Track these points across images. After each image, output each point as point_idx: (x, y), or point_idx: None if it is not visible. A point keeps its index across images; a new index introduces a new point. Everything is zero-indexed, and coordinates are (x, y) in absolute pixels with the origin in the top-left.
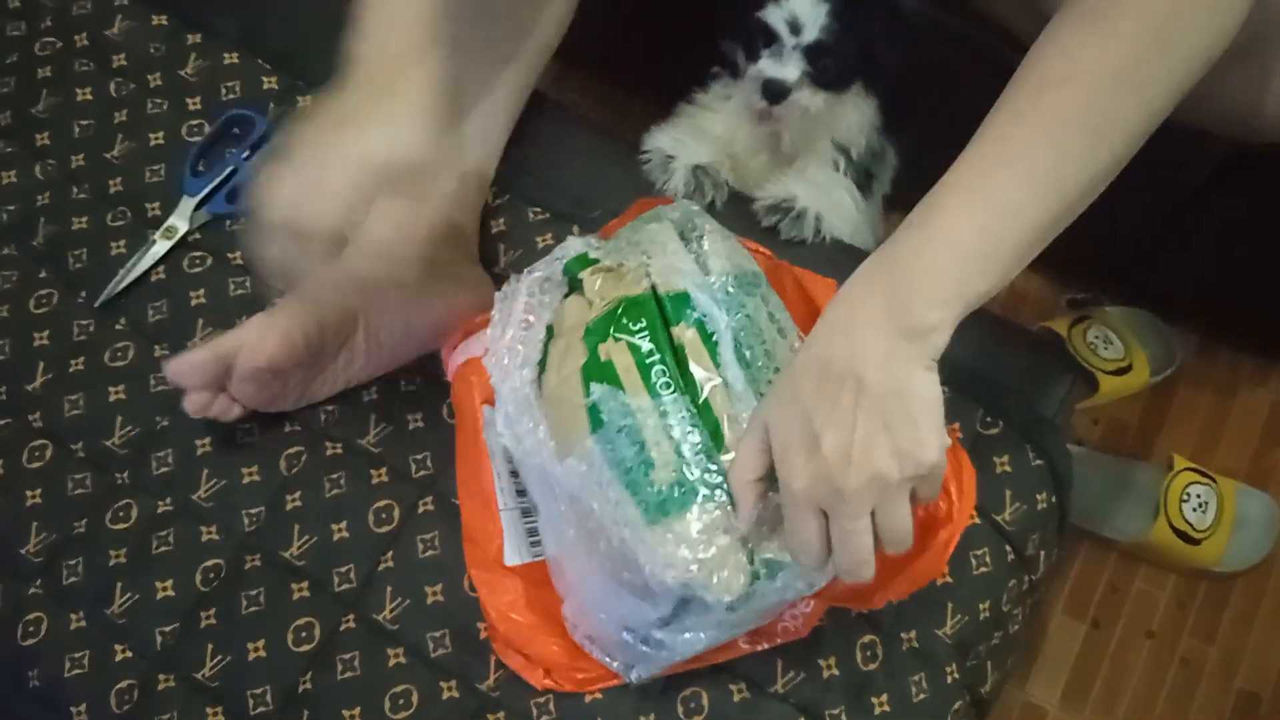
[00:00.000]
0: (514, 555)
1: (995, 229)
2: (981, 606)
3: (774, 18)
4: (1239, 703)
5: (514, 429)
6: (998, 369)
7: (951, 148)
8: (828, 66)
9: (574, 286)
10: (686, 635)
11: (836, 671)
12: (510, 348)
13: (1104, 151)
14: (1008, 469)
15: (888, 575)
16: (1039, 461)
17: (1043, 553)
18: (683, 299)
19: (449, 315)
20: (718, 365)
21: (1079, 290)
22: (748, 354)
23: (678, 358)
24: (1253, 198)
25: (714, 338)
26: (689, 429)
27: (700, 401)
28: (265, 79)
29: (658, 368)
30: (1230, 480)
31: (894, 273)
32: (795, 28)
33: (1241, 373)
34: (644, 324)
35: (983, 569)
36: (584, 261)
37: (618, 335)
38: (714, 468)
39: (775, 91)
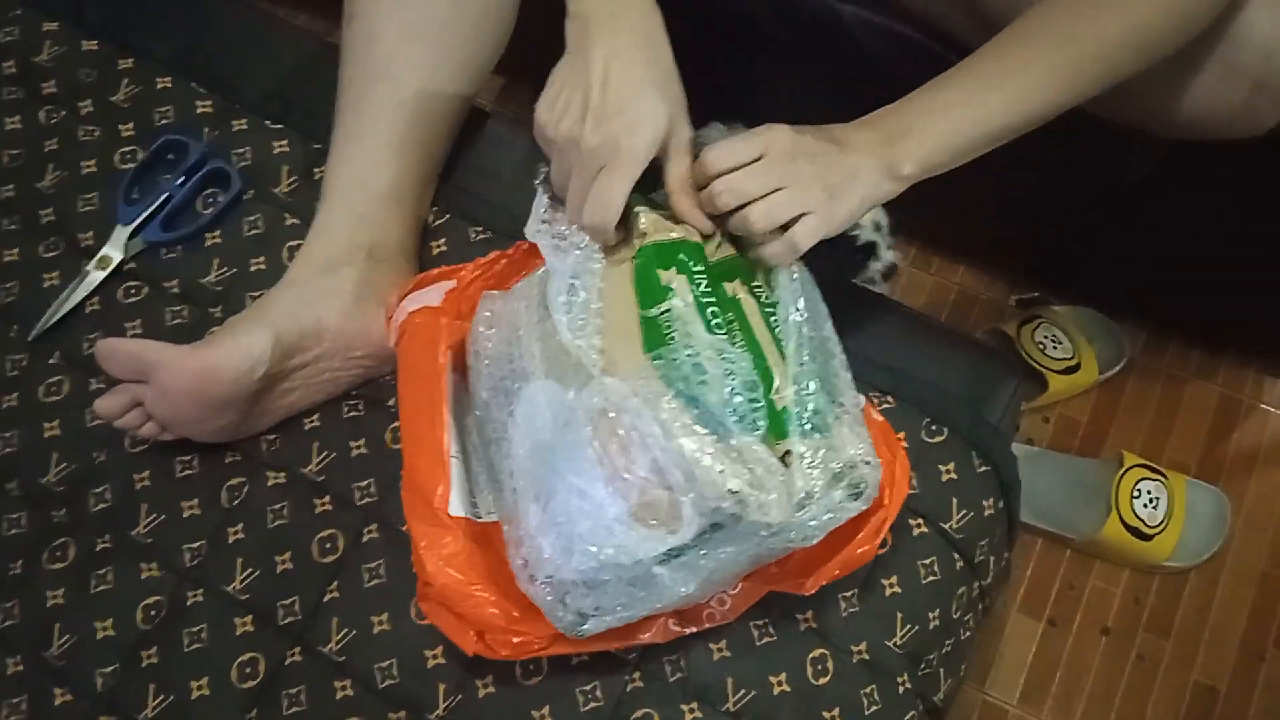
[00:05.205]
0: (459, 506)
1: (974, 126)
2: (931, 615)
3: None
4: (1196, 695)
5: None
6: (941, 376)
7: None
8: None
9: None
10: (693, 566)
11: (788, 687)
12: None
13: (1065, 98)
14: (954, 476)
15: (821, 559)
16: (985, 467)
17: (992, 558)
18: (734, 262)
19: (387, 340)
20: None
21: (1027, 291)
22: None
23: (735, 308)
24: (1195, 193)
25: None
26: (744, 366)
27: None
28: (199, 103)
29: (712, 308)
30: (1180, 475)
31: (898, 125)
32: None
33: (1189, 366)
34: (701, 266)
35: (931, 577)
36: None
37: (679, 269)
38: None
39: None
